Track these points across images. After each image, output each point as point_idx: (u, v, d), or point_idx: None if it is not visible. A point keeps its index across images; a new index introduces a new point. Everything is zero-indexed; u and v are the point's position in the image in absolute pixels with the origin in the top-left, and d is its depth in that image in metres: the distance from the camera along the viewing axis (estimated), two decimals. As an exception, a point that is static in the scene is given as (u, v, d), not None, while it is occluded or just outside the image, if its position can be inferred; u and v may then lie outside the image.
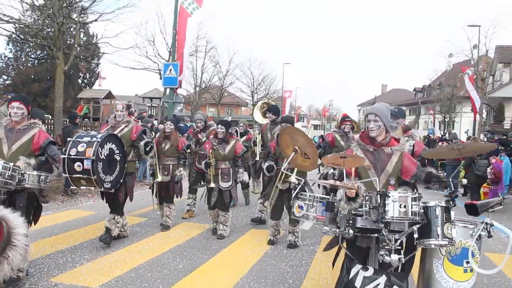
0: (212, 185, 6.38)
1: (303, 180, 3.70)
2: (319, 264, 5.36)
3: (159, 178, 6.70)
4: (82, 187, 5.11)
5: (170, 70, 13.95)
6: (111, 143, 5.22)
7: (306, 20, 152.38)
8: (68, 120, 11.29)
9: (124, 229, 6.12)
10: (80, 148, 4.83)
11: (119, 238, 5.99)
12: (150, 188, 7.18)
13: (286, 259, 5.53)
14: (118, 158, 5.37)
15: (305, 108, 79.01)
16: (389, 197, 2.93)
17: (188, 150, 7.19)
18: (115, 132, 5.76)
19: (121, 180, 5.50)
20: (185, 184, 7.52)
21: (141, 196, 8.95)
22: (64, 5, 11.69)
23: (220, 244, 6.08)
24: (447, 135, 37.91)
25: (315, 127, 67.79)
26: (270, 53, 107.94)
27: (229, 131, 6.74)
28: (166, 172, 6.83)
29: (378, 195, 2.98)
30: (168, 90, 15.13)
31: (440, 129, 43.19)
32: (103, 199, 6.05)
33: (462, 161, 10.50)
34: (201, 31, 24.55)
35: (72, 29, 13.38)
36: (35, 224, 4.50)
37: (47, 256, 5.19)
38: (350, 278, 3.15)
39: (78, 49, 13.24)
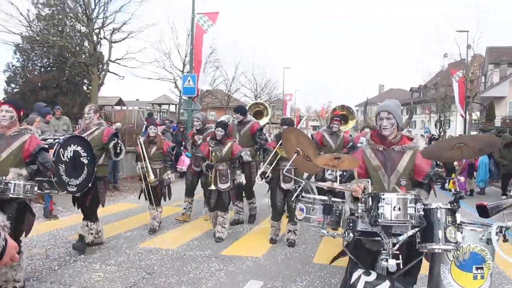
0: (212, 187, 6.43)
1: (303, 182, 3.56)
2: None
3: (151, 177, 6.67)
4: (46, 191, 4.78)
5: (189, 81, 15.54)
6: (75, 145, 5.01)
7: (303, 23, 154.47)
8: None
9: (99, 235, 5.97)
10: None
11: (94, 245, 5.91)
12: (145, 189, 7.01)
13: (302, 234, 7.00)
14: (85, 161, 5.14)
15: (304, 110, 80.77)
16: (383, 199, 2.84)
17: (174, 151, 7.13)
18: (85, 135, 5.61)
19: (90, 184, 5.27)
20: (176, 187, 8.27)
21: (180, 188, 9.57)
22: (99, 26, 13.38)
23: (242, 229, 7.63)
24: (442, 134, 39.70)
25: (314, 128, 69.45)
26: (270, 58, 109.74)
27: (226, 132, 6.61)
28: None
29: (370, 197, 2.88)
30: (181, 98, 16.66)
31: (436, 128, 44.94)
32: (74, 205, 5.93)
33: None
34: (212, 43, 26.21)
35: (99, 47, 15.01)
36: (26, 235, 4.26)
37: (122, 233, 6.82)
38: (352, 282, 3.04)
39: (108, 64, 14.91)
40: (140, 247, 6.10)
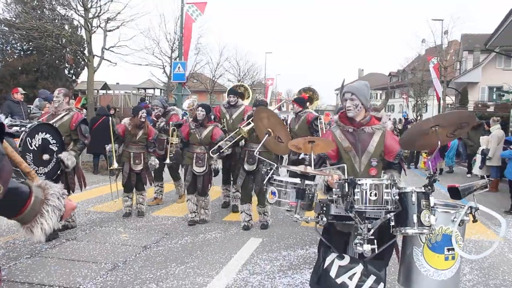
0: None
1: (275, 165, 3.38)
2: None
3: (115, 165, 6.73)
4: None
5: (179, 67, 16.35)
6: (44, 133, 4.99)
7: (285, 9, 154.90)
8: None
9: (72, 219, 6.07)
10: None
11: (67, 229, 5.98)
12: (110, 175, 7.55)
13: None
14: (54, 148, 5.14)
15: (285, 93, 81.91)
16: (360, 185, 2.79)
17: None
18: (54, 120, 5.61)
19: (59, 172, 5.32)
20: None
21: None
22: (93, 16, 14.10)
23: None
24: (418, 117, 41.29)
25: (295, 112, 70.52)
26: (253, 44, 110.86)
27: (209, 115, 6.55)
28: (137, 161, 6.83)
29: (346, 183, 2.82)
30: (169, 83, 17.24)
31: (413, 112, 46.52)
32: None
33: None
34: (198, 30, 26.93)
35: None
36: None
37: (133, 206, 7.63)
38: (325, 267, 3.03)
39: (104, 52, 15.65)
40: (153, 215, 7.12)
